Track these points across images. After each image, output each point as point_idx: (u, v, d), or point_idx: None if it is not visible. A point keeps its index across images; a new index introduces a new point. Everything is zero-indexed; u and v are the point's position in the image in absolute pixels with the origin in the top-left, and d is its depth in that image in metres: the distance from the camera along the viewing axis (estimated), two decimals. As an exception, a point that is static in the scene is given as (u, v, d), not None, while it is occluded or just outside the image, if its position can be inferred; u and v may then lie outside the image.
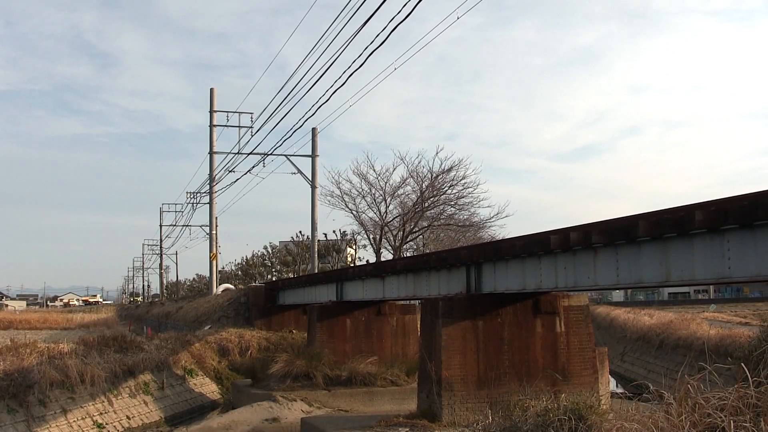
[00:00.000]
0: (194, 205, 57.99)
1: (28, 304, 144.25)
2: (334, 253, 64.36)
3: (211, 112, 46.36)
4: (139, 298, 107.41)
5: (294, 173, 42.42)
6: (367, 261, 51.04)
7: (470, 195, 42.00)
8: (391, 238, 44.36)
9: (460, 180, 41.72)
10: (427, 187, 42.18)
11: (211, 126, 46.20)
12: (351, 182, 44.62)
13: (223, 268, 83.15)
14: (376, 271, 22.00)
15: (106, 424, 20.62)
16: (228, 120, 45.41)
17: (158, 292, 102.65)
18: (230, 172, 43.21)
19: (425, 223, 44.37)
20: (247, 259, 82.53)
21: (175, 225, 71.46)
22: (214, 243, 49.22)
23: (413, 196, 43.22)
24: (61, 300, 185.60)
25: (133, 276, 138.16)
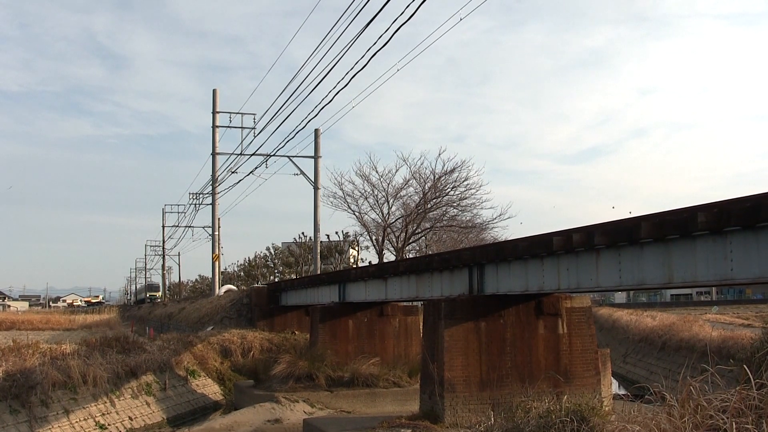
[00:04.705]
0: (197, 206, 57.98)
1: (30, 305, 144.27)
2: (337, 255, 64.31)
3: (214, 113, 46.41)
4: (158, 293, 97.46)
5: (297, 174, 42.37)
6: (370, 262, 51.01)
7: (473, 196, 41.96)
8: (394, 240, 44.30)
9: (463, 181, 41.71)
10: (429, 188, 42.14)
11: (214, 127, 46.26)
12: (353, 183, 44.62)
13: (226, 269, 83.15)
14: (379, 272, 21.97)
15: (109, 424, 20.64)
16: (231, 121, 45.48)
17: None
18: (233, 173, 43.25)
19: (428, 225, 44.32)
20: (249, 260, 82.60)
21: (177, 226, 71.38)
22: (217, 244, 49.27)
23: (416, 197, 43.21)
24: (64, 300, 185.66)
25: (135, 277, 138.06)
